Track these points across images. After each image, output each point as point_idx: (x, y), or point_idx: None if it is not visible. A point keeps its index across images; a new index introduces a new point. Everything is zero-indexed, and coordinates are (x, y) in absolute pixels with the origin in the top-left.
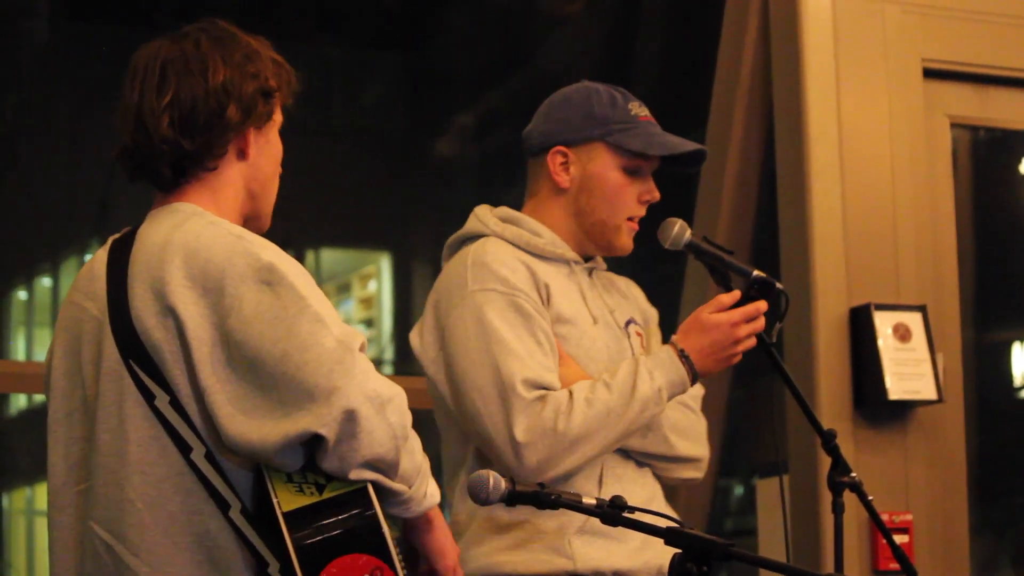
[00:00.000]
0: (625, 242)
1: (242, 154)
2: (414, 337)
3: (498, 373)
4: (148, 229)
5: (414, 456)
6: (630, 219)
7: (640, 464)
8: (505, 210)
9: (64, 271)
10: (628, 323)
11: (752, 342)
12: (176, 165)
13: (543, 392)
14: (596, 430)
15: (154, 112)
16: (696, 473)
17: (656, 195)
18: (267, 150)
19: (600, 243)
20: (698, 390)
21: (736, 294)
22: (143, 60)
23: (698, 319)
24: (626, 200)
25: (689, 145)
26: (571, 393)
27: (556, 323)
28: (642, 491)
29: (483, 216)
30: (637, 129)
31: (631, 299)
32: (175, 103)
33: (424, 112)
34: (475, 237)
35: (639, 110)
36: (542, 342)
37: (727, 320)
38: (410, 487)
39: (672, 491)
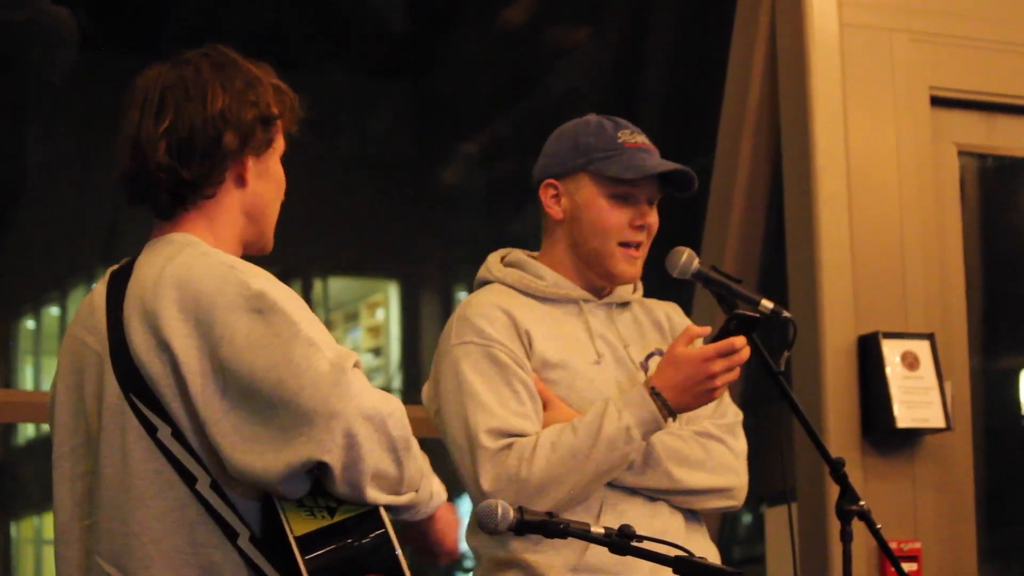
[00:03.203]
0: (622, 269)
1: (240, 181)
2: (424, 391)
3: (466, 426)
4: (143, 261)
5: (416, 459)
6: (624, 245)
7: (652, 499)
8: (512, 254)
9: (72, 300)
10: (649, 356)
11: (732, 376)
12: (174, 193)
13: (511, 440)
14: (562, 474)
15: (151, 139)
16: (727, 502)
17: (649, 220)
18: (266, 176)
19: (600, 272)
20: (733, 417)
21: (707, 328)
22: (143, 85)
23: (671, 354)
24: (614, 227)
25: (667, 165)
26: (537, 438)
27: (542, 368)
28: (652, 524)
29: (490, 263)
30: (620, 155)
31: (666, 329)
32: (172, 130)
33: (431, 140)
34: (482, 284)
35: (630, 137)
36: (518, 390)
37: (699, 356)
38: (416, 491)
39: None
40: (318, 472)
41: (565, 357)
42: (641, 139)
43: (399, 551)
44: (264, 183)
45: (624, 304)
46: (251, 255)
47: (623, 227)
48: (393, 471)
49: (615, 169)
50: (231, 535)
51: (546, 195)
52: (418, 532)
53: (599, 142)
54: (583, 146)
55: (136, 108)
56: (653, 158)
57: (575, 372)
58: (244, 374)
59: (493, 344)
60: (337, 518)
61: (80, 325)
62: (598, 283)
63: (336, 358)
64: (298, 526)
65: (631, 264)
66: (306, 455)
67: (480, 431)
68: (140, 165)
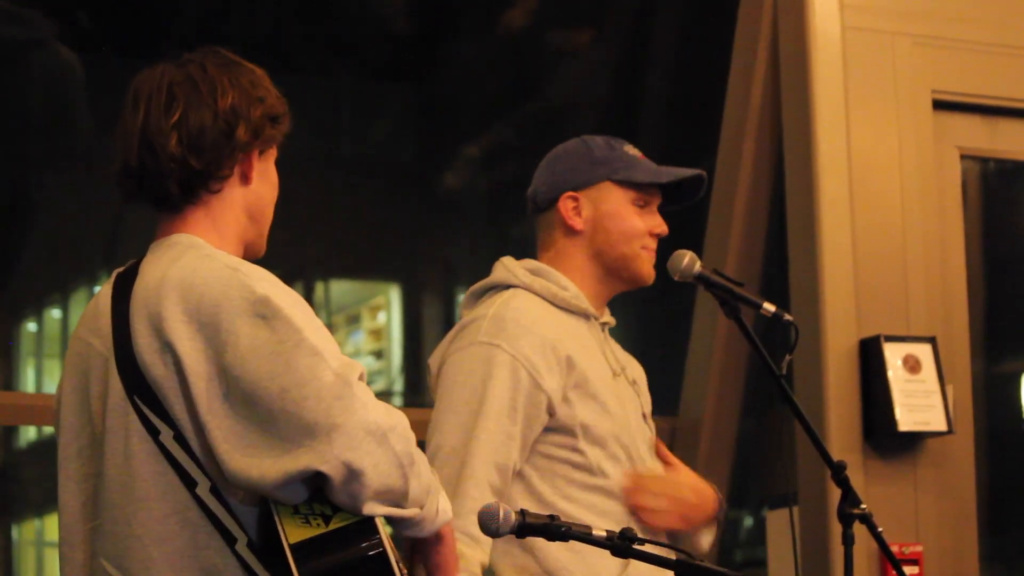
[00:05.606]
0: (648, 270)
1: (245, 179)
2: (433, 364)
3: (467, 439)
4: (148, 263)
5: (421, 477)
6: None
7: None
8: (531, 262)
9: (74, 302)
10: (633, 383)
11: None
12: (183, 184)
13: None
14: None
15: (162, 131)
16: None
17: (665, 229)
18: (266, 177)
19: (625, 277)
20: None
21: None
22: (147, 82)
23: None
24: (640, 232)
25: (689, 170)
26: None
27: (583, 383)
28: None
29: (511, 267)
30: (640, 165)
31: (632, 366)
32: (183, 123)
33: (433, 143)
34: (503, 287)
35: (634, 151)
36: (517, 421)
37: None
38: (421, 508)
39: None
40: (318, 481)
41: (598, 374)
42: (641, 153)
43: (395, 563)
44: (264, 184)
45: (603, 325)
46: (248, 258)
47: (646, 235)
48: (399, 485)
49: (645, 175)
50: (229, 540)
51: (566, 207)
52: (424, 551)
53: (614, 154)
54: (600, 158)
55: (141, 104)
56: (667, 167)
57: (608, 389)
58: (247, 381)
59: (522, 362)
60: (332, 526)
61: (86, 328)
62: (615, 291)
63: (340, 368)
64: (293, 533)
65: (651, 264)
66: (304, 464)
67: (488, 465)
68: (150, 159)
